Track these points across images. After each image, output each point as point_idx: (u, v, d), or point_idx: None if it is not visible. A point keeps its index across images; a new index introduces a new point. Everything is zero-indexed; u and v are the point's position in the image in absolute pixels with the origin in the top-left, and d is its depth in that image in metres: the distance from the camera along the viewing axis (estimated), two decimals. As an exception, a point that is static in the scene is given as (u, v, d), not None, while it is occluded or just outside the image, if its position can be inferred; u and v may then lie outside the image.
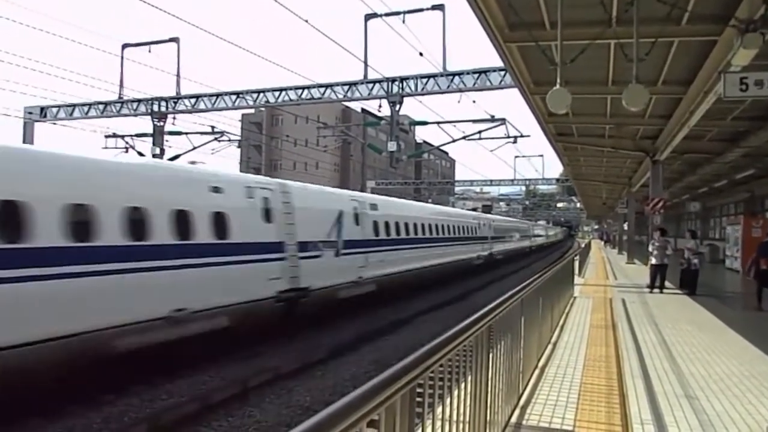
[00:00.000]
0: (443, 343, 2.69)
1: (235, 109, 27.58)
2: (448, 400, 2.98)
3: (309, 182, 16.95)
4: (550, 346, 7.64)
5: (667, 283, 15.42)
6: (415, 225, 20.73)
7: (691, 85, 11.45)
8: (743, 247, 20.83)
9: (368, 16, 23.00)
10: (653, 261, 15.38)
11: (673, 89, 12.21)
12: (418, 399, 2.42)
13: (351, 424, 1.63)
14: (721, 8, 8.19)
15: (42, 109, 30.32)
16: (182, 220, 9.75)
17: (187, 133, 28.62)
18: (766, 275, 12.15)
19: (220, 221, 10.62)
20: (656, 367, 6.72)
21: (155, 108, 27.97)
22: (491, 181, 57.03)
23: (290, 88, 25.41)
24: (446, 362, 2.82)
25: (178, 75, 27.71)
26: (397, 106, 23.11)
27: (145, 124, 29.09)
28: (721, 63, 8.87)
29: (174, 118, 28.56)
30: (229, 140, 29.41)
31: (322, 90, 24.64)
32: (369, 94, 23.70)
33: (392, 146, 24.08)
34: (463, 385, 3.42)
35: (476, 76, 21.46)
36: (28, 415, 7.06)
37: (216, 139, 28.46)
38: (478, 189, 78.62)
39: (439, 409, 2.85)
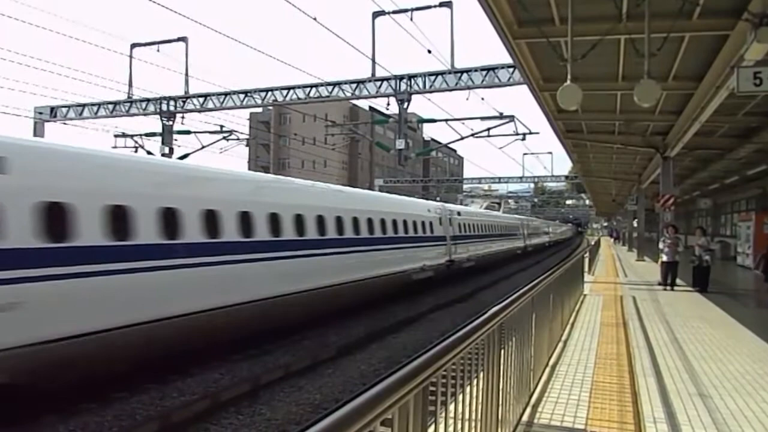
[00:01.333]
0: (456, 342, 2.67)
1: (244, 107, 27.68)
2: (460, 398, 2.97)
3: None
4: (560, 344, 7.60)
5: (678, 281, 15.32)
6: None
7: (702, 80, 11.35)
8: (755, 244, 20.65)
9: (376, 14, 22.98)
10: (664, 258, 15.28)
11: (685, 84, 12.10)
12: (431, 397, 2.41)
13: (366, 423, 1.62)
14: (734, 2, 8.12)
15: (52, 109, 30.54)
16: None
17: (196, 132, 28.71)
18: None
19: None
20: (668, 365, 6.68)
21: (164, 107, 28.10)
22: (500, 178, 56.92)
23: (298, 87, 25.45)
24: (458, 361, 2.81)
25: (186, 74, 27.84)
26: (405, 104, 23.09)
27: (154, 124, 29.25)
28: (733, 57, 8.78)
29: (183, 117, 28.69)
30: (238, 139, 29.44)
31: (330, 88, 24.66)
32: (377, 92, 23.70)
33: (400, 144, 24.08)
34: (474, 383, 3.40)
35: (485, 73, 21.40)
36: (43, 411, 7.11)
37: (224, 137, 28.51)
38: (486, 186, 78.41)
39: (451, 408, 2.84)
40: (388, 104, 24.13)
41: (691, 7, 8.30)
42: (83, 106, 29.77)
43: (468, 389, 3.17)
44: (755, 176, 23.19)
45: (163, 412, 7.60)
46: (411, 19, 21.23)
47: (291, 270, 11.85)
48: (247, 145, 47.35)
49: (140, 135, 29.68)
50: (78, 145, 9.00)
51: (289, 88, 25.73)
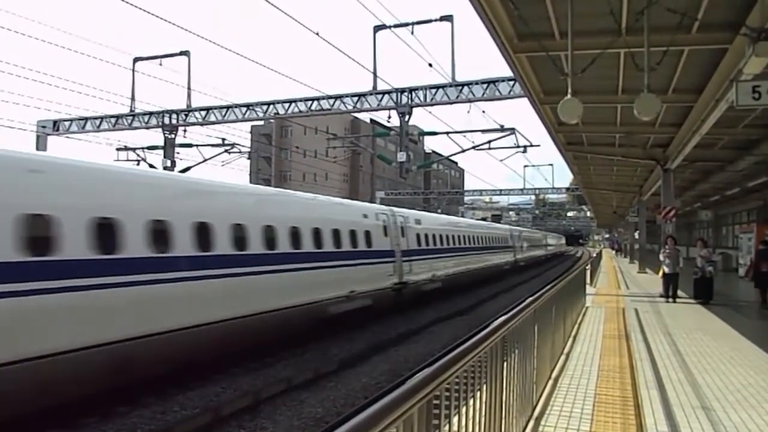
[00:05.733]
0: (460, 356, 2.68)
1: (245, 121, 27.72)
2: (463, 412, 2.97)
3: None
4: (563, 357, 7.59)
5: (680, 292, 15.29)
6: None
7: (702, 93, 11.41)
8: (757, 256, 20.59)
9: (377, 28, 23.11)
10: (666, 270, 15.26)
11: (684, 97, 12.16)
12: (435, 411, 2.42)
13: (371, 437, 1.64)
14: (732, 16, 8.18)
15: (55, 122, 30.61)
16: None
17: (197, 146, 28.82)
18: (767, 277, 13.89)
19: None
20: (671, 378, 6.66)
21: (166, 121, 28.17)
22: (501, 190, 56.97)
23: (300, 100, 25.53)
24: (462, 374, 2.82)
25: (188, 88, 27.95)
26: (407, 117, 23.16)
27: (156, 137, 29.23)
28: (732, 71, 8.84)
29: (185, 130, 28.76)
30: (240, 152, 29.55)
31: (331, 101, 24.75)
32: (378, 105, 23.78)
33: (401, 157, 24.12)
34: (477, 397, 3.41)
35: (485, 86, 21.47)
36: (45, 426, 7.10)
37: (226, 151, 28.63)
38: (487, 198, 78.50)
39: (454, 421, 2.85)
40: (389, 117, 24.23)
41: (690, 21, 8.36)
42: (86, 119, 29.88)
43: (471, 402, 3.18)
44: (756, 188, 23.19)
45: (164, 426, 7.58)
46: (412, 33, 21.33)
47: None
48: (248, 158, 47.47)
49: (142, 148, 29.78)
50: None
51: (290, 101, 25.82)
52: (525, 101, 13.29)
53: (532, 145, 27.91)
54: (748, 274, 14.50)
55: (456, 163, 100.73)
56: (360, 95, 24.10)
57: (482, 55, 39.69)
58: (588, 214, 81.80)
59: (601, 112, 14.19)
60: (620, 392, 6.01)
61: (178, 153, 28.72)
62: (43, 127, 30.46)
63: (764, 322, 12.60)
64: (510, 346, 3.98)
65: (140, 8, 14.60)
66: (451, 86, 22.11)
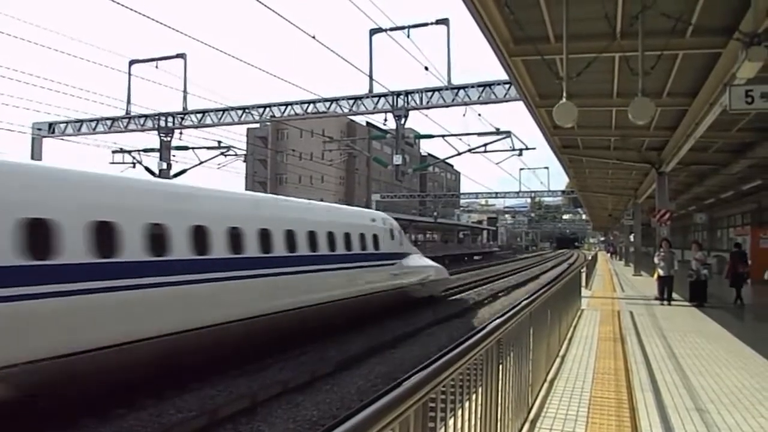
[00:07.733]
0: (455, 358, 2.70)
1: (242, 123, 27.74)
2: (459, 414, 2.99)
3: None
4: (558, 360, 7.61)
5: (675, 295, 15.34)
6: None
7: (696, 97, 11.49)
8: (752, 258, 20.71)
9: (373, 31, 23.15)
10: (660, 273, 15.32)
11: (679, 101, 12.24)
12: (431, 413, 2.44)
13: (367, 439, 1.65)
14: (725, 21, 8.26)
15: (50, 125, 30.53)
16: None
17: (193, 148, 28.81)
18: (742, 277, 14.94)
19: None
20: (666, 380, 6.69)
21: (162, 123, 28.15)
22: (496, 193, 57.12)
23: (296, 103, 25.56)
24: (457, 376, 2.84)
25: (184, 90, 27.93)
26: (403, 120, 23.20)
27: (152, 140, 29.23)
28: (725, 75, 8.91)
29: (181, 133, 28.72)
30: (236, 155, 29.54)
31: (327, 104, 24.78)
32: (374, 107, 23.82)
33: (397, 159, 24.16)
34: (473, 399, 3.42)
35: (481, 89, 21.54)
36: (40, 428, 7.08)
37: (222, 153, 28.62)
38: (483, 201, 78.68)
39: (450, 423, 2.86)
40: (386, 120, 24.29)
41: (684, 25, 8.43)
42: (81, 122, 29.81)
43: (467, 405, 3.19)
44: (750, 191, 23.32)
45: (161, 428, 7.57)
46: (408, 37, 21.38)
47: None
48: (244, 161, 47.37)
49: (138, 151, 29.76)
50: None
51: (286, 104, 25.84)
52: (521, 104, 13.35)
53: (527, 148, 28.03)
54: (728, 276, 15.08)
55: (452, 166, 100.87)
56: (356, 98, 24.14)
57: (478, 59, 39.92)
58: (584, 217, 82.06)
59: (596, 116, 14.26)
60: (615, 395, 6.03)
61: (174, 156, 28.70)
62: (39, 129, 30.37)
63: (759, 324, 12.66)
64: (505, 348, 4.00)
65: (136, 11, 14.60)
66: (447, 89, 22.18)
